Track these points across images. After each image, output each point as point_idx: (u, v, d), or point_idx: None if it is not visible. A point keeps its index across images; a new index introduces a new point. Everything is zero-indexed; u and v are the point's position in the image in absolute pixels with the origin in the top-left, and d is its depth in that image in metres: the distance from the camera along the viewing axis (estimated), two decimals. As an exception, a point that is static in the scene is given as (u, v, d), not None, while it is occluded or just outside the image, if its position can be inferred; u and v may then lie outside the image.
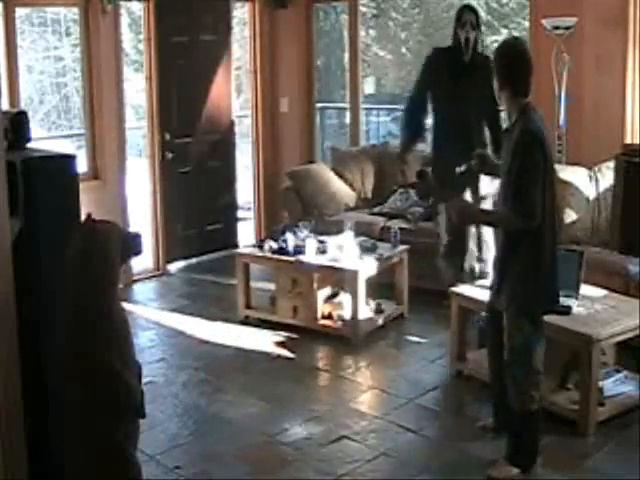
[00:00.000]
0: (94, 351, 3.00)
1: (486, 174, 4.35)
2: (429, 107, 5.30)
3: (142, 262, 6.69)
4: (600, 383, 4.18)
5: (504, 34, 10.27)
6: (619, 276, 4.99)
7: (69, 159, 3.43)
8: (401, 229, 6.00)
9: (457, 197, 4.70)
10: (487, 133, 5.31)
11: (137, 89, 8.65)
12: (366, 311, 5.55)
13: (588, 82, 5.98)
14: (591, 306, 4.40)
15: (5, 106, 4.73)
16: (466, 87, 4.97)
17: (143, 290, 6.81)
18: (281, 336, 5.59)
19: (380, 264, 5.62)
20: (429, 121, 5.52)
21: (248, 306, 5.94)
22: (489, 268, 5.00)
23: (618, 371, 4.47)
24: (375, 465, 3.94)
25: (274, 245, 5.80)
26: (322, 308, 5.64)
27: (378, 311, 5.69)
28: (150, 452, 3.98)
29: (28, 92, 8.86)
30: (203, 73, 7.36)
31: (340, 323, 5.55)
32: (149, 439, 3.94)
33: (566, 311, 4.24)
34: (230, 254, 6.81)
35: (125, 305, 3.32)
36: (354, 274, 5.43)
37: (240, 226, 7.88)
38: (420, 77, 5.30)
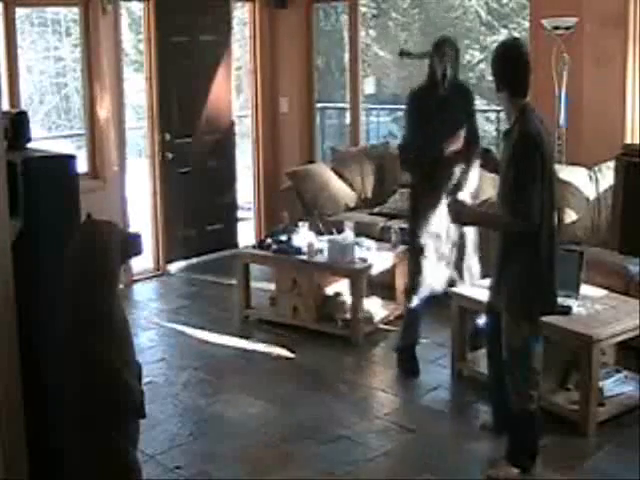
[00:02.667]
0: (94, 351, 3.00)
1: (490, 172, 4.35)
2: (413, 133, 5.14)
3: (142, 262, 6.68)
4: (600, 383, 4.18)
5: (504, 34, 10.27)
6: (619, 276, 4.99)
7: (69, 159, 3.43)
8: (401, 229, 6.00)
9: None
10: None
11: (137, 89, 8.65)
12: (366, 311, 5.55)
13: (588, 82, 5.98)
14: (591, 306, 4.40)
15: (5, 106, 4.72)
16: (444, 119, 4.86)
17: (143, 290, 6.81)
18: (281, 336, 5.59)
19: (380, 264, 5.62)
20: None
21: (248, 306, 5.94)
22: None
23: (618, 371, 4.48)
24: (375, 465, 3.94)
25: (274, 245, 5.80)
26: (322, 308, 5.64)
27: (378, 311, 5.69)
28: (150, 452, 3.98)
29: (28, 92, 8.88)
30: (203, 73, 7.36)
31: (340, 323, 5.56)
32: (149, 439, 3.95)
33: (566, 311, 4.24)
34: (230, 254, 6.82)
35: (125, 305, 3.32)
36: (354, 274, 5.43)
37: (240, 226, 7.87)
38: (406, 123, 5.13)
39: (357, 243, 5.67)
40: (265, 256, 5.83)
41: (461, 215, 4.03)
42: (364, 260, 5.56)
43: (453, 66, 4.78)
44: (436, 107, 4.79)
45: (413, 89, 5.00)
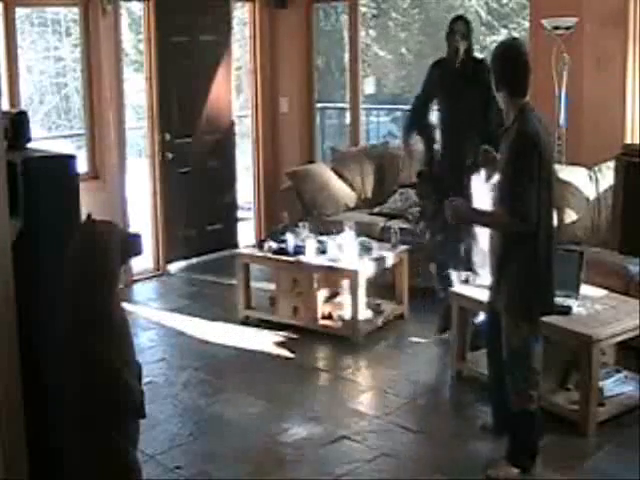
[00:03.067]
0: (94, 351, 3.00)
1: (490, 170, 4.35)
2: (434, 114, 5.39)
3: (142, 262, 6.68)
4: (600, 383, 4.18)
5: (504, 34, 10.26)
6: (619, 276, 4.99)
7: (69, 159, 3.43)
8: (401, 229, 6.00)
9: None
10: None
11: (137, 89, 8.65)
12: (366, 311, 5.55)
13: (588, 82, 5.98)
14: (591, 306, 4.40)
15: (5, 106, 4.72)
16: (459, 94, 5.08)
17: (143, 290, 6.81)
18: (281, 336, 5.59)
19: (380, 264, 5.63)
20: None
21: (248, 306, 5.94)
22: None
23: (618, 371, 4.47)
24: (375, 465, 3.94)
25: (274, 245, 5.80)
26: (322, 308, 5.64)
27: (378, 311, 5.70)
28: (150, 452, 3.98)
29: (28, 92, 8.87)
30: (203, 73, 7.36)
31: (340, 323, 5.56)
32: (149, 439, 3.95)
33: (566, 311, 4.24)
34: (230, 254, 6.81)
35: (125, 305, 3.32)
36: (354, 274, 5.43)
37: (240, 226, 7.88)
38: (424, 84, 5.37)
39: (357, 243, 5.66)
40: (265, 256, 5.83)
41: (460, 214, 4.03)
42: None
43: (466, 40, 5.04)
44: (452, 79, 5.03)
45: (436, 60, 5.33)
